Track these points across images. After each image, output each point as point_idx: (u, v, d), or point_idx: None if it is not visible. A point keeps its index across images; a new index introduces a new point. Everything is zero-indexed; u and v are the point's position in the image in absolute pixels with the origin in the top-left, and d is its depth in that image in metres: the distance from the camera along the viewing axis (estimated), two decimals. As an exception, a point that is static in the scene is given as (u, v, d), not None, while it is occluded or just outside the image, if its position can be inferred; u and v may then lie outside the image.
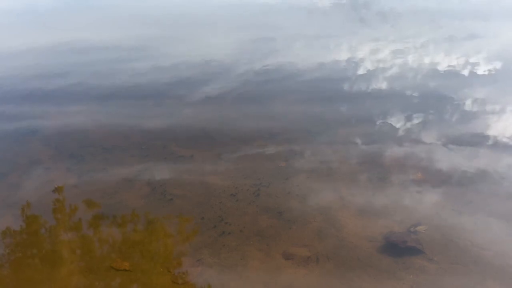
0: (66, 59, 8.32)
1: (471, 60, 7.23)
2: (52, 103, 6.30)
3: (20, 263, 3.42)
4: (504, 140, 4.71)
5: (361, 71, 6.96)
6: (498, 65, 6.98)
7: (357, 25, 10.05)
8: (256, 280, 3.09)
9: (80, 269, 3.30)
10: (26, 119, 5.76)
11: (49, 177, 4.48)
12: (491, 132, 4.87)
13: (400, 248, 3.26)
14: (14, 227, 3.80)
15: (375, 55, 7.74)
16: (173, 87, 6.66)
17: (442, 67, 6.99)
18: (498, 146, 4.61)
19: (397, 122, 5.21)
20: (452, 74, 6.69)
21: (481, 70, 6.75)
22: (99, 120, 5.68)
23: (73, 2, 14.34)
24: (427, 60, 7.33)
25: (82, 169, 4.57)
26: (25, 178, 4.47)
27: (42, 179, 4.44)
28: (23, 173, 4.55)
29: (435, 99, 5.80)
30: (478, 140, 4.71)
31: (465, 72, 6.70)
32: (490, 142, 4.67)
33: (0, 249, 3.53)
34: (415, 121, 5.21)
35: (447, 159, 4.39)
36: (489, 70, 6.75)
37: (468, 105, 5.58)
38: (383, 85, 6.36)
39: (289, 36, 9.16)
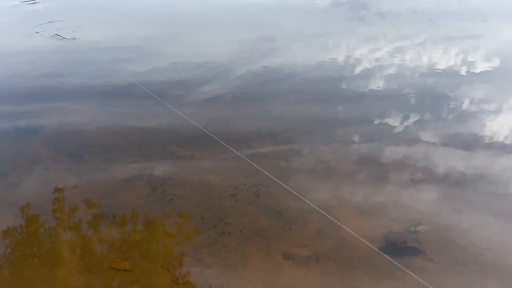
0: (66, 59, 8.31)
1: (470, 59, 7.23)
2: (52, 102, 6.30)
3: (19, 263, 3.42)
4: (504, 139, 4.71)
5: (360, 71, 6.96)
6: (496, 64, 6.99)
7: (356, 24, 10.05)
8: (256, 280, 3.09)
9: (79, 269, 3.30)
10: (26, 119, 5.76)
11: (49, 177, 4.48)
12: (491, 131, 4.87)
13: (400, 248, 3.26)
14: (13, 227, 3.79)
15: (374, 54, 7.74)
16: (172, 87, 6.66)
17: (440, 66, 6.99)
18: (498, 145, 4.61)
19: (397, 121, 5.22)
20: (450, 73, 6.69)
21: (479, 70, 6.75)
22: (99, 120, 5.68)
23: (72, 3, 14.33)
24: (425, 60, 7.34)
25: (82, 169, 4.57)
26: (25, 177, 4.47)
27: (42, 179, 4.44)
28: (23, 172, 4.55)
29: (434, 98, 5.81)
30: (478, 140, 4.71)
31: (464, 72, 6.70)
32: (490, 141, 4.67)
33: None
34: (415, 120, 5.21)
35: (447, 159, 4.39)
36: (488, 70, 6.76)
37: (467, 104, 5.59)
38: (382, 85, 6.37)
39: (289, 36, 9.16)
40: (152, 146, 4.95)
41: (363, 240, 3.33)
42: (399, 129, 5.05)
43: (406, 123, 5.17)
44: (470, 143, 4.64)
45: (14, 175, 4.53)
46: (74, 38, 9.04)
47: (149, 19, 11.36)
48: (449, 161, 4.36)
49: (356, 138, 4.88)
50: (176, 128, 5.27)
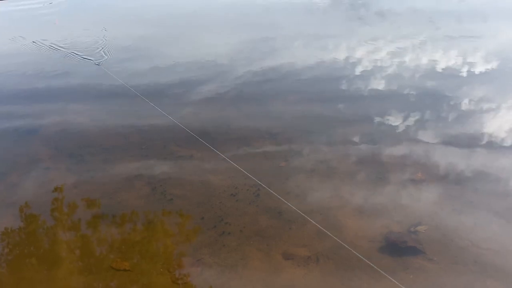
0: (66, 59, 8.31)
1: (470, 59, 7.23)
2: (52, 103, 6.30)
3: (19, 263, 3.42)
4: (504, 139, 4.71)
5: (359, 71, 6.96)
6: (496, 64, 6.99)
7: (356, 24, 10.05)
8: (256, 280, 3.09)
9: (79, 269, 3.30)
10: (26, 119, 5.76)
11: (49, 177, 4.48)
12: (491, 131, 4.87)
13: (400, 248, 3.26)
14: (13, 227, 3.79)
15: (374, 54, 7.74)
16: (172, 87, 6.66)
17: (440, 66, 6.99)
18: (498, 145, 4.61)
19: (397, 121, 5.22)
20: (450, 73, 6.69)
21: (479, 70, 6.75)
22: (99, 120, 5.68)
23: (71, 3, 14.34)
24: (425, 60, 7.34)
25: (82, 169, 4.57)
26: (25, 178, 4.47)
27: (42, 179, 4.44)
28: (23, 173, 4.55)
29: (434, 98, 5.80)
30: (478, 139, 4.71)
31: (463, 72, 6.70)
32: (489, 141, 4.67)
33: None
34: (415, 120, 5.21)
35: (447, 159, 4.39)
36: (488, 70, 6.76)
37: (467, 104, 5.59)
38: (382, 85, 6.37)
39: (289, 36, 9.16)
40: (152, 146, 4.95)
41: (353, 250, 3.33)
42: (399, 129, 5.05)
43: (406, 123, 5.17)
44: (470, 143, 4.64)
45: (14, 175, 4.53)
46: (100, 62, 8.16)
47: (149, 20, 11.37)
48: (449, 161, 4.36)
49: (356, 138, 4.88)
50: (176, 128, 5.27)
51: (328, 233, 3.39)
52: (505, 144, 4.62)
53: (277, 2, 12.67)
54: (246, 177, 4.21)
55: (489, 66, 6.91)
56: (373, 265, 3.08)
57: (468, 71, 6.72)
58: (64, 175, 4.47)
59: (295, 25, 10.09)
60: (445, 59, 7.31)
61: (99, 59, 8.01)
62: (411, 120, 5.22)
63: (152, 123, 5.45)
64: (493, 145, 4.60)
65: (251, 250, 3.35)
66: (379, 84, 6.39)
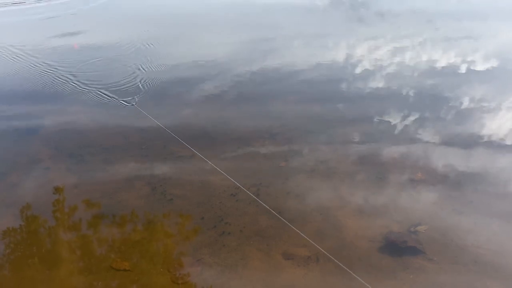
0: (66, 59, 8.30)
1: (469, 59, 7.24)
2: (52, 103, 6.30)
3: (19, 263, 3.42)
4: (504, 139, 4.71)
5: (359, 71, 6.96)
6: (495, 64, 6.99)
7: (356, 24, 10.05)
8: (256, 280, 3.09)
9: (79, 269, 3.30)
10: (26, 119, 5.76)
11: (49, 177, 4.47)
12: (491, 131, 4.87)
13: (400, 248, 3.26)
14: (13, 227, 3.79)
15: (373, 54, 7.75)
16: (172, 86, 6.66)
17: (440, 66, 7.00)
18: (498, 145, 4.61)
19: (396, 121, 5.22)
20: (450, 73, 6.70)
21: (479, 70, 6.76)
22: (99, 120, 5.68)
23: (71, 3, 14.33)
24: (424, 60, 7.34)
25: (82, 169, 4.57)
26: (25, 178, 4.47)
27: (42, 179, 4.44)
28: (23, 173, 4.55)
29: (434, 98, 5.81)
30: (478, 139, 4.71)
31: (463, 72, 6.71)
32: (490, 141, 4.67)
33: None
34: (415, 120, 5.21)
35: (447, 159, 4.39)
36: (487, 70, 6.76)
37: (466, 104, 5.59)
38: (382, 84, 6.37)
39: (289, 36, 9.16)
40: (152, 146, 4.95)
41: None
42: (399, 129, 5.05)
43: (405, 123, 5.17)
44: (470, 143, 4.65)
45: (14, 175, 4.53)
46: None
47: (149, 20, 11.36)
48: (449, 161, 4.36)
49: (356, 138, 4.88)
50: (176, 128, 5.27)
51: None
52: (504, 144, 4.62)
53: (277, 2, 12.67)
54: (246, 177, 4.22)
55: (488, 66, 6.91)
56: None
57: (468, 71, 6.73)
58: (64, 175, 4.47)
59: (295, 25, 10.09)
60: (445, 59, 7.32)
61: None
62: (411, 120, 5.23)
63: (152, 122, 5.45)
64: (493, 145, 4.61)
65: (251, 250, 3.35)
66: (378, 84, 6.39)
